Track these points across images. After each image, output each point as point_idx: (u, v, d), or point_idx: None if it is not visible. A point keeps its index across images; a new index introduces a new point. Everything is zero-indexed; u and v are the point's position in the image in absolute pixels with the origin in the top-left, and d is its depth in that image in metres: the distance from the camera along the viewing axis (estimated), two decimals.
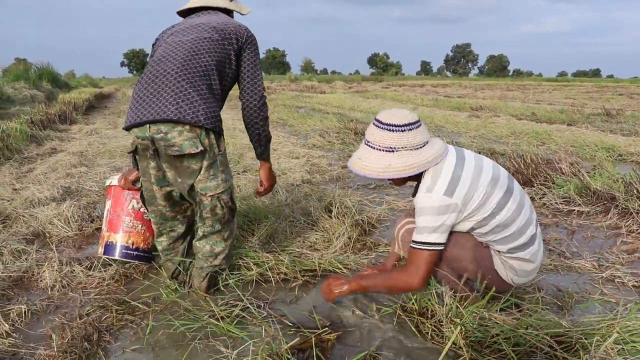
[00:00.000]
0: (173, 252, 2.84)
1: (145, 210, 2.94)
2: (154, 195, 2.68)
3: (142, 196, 2.79)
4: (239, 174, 5.47)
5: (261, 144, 2.89)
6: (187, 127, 2.43)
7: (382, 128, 2.26)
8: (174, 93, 2.46)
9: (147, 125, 2.46)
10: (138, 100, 2.54)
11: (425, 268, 2.26)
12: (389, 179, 2.31)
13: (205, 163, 2.52)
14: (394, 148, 2.24)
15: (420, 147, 2.25)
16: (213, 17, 2.78)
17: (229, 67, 2.68)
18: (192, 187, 2.59)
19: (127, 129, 2.55)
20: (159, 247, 2.86)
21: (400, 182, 2.42)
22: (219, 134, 2.56)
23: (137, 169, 2.80)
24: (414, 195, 2.35)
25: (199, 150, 2.46)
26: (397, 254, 2.80)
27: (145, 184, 2.69)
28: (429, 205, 2.21)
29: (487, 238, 2.35)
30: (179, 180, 2.58)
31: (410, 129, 2.23)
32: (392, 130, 2.23)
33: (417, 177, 2.31)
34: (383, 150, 2.25)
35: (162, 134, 2.43)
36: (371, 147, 2.29)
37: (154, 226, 2.83)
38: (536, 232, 2.38)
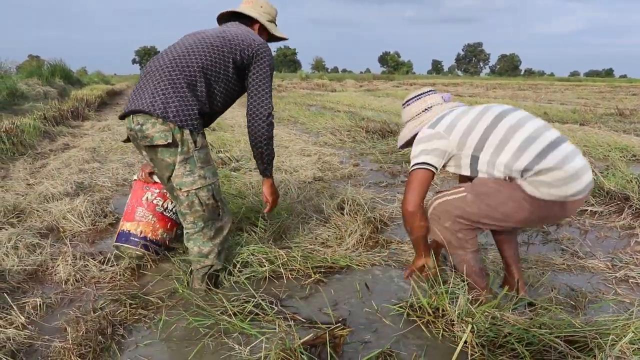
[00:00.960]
0: None
1: (158, 203, 3.10)
2: (162, 177, 2.73)
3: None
4: (250, 170, 5.48)
5: (264, 162, 2.93)
6: (160, 120, 2.50)
7: None
8: (153, 87, 2.57)
9: (132, 117, 2.58)
10: (131, 93, 2.67)
11: (414, 185, 2.47)
12: None
13: (179, 157, 2.56)
14: (404, 122, 2.81)
15: (412, 119, 2.72)
16: (233, 28, 2.84)
17: (224, 73, 2.70)
18: (169, 181, 2.64)
19: (121, 118, 2.70)
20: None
21: None
22: (195, 131, 2.57)
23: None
24: None
25: (166, 142, 2.51)
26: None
27: (153, 169, 2.78)
28: (419, 137, 2.54)
29: (502, 167, 2.31)
30: (158, 172, 2.68)
31: (403, 106, 2.78)
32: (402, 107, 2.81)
33: None
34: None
35: (139, 126, 2.54)
36: None
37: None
38: (553, 142, 2.27)
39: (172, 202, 3.11)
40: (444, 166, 2.53)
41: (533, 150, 2.25)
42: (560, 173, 2.22)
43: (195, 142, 2.58)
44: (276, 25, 3.13)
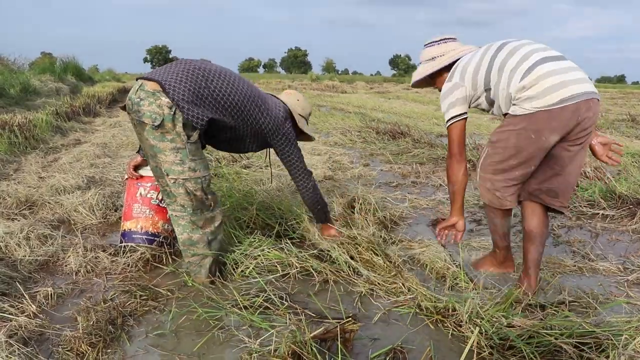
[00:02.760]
0: None
1: (152, 196, 3.13)
2: (147, 153, 2.73)
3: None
4: (261, 168, 5.50)
5: (322, 211, 3.30)
6: (159, 101, 2.49)
7: None
8: (181, 76, 2.57)
9: (137, 88, 2.58)
10: (157, 69, 2.69)
11: (454, 139, 2.78)
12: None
13: (169, 145, 2.54)
14: (420, 62, 3.08)
15: (429, 60, 2.99)
16: (276, 100, 3.11)
17: (249, 122, 2.82)
18: (157, 165, 2.62)
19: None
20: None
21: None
22: (191, 125, 2.55)
23: (140, 154, 3.11)
24: None
25: (152, 124, 2.50)
26: None
27: (141, 143, 2.78)
28: (443, 93, 2.80)
29: (504, 93, 2.55)
30: (145, 149, 2.66)
31: (425, 47, 3.03)
32: (423, 47, 3.05)
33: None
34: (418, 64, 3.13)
35: (138, 99, 2.54)
36: None
37: (156, 182, 2.94)
38: (537, 62, 2.46)
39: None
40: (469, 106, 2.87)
41: (521, 71, 2.47)
42: (539, 86, 2.41)
43: (188, 135, 2.57)
44: (307, 123, 3.31)
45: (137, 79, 2.67)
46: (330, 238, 3.28)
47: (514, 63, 2.51)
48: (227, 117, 2.70)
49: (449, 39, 2.99)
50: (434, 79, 3.04)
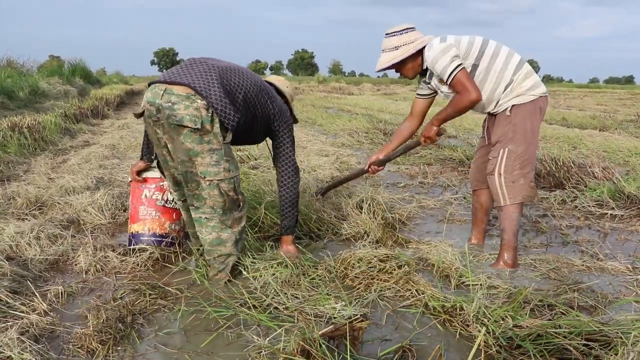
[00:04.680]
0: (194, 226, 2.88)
1: (157, 197, 3.14)
2: (165, 159, 2.75)
3: (158, 164, 2.93)
4: (269, 169, 5.52)
5: (292, 217, 3.10)
6: (195, 104, 2.51)
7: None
8: (204, 74, 2.60)
9: (161, 93, 2.55)
10: (170, 70, 2.68)
11: (467, 82, 2.88)
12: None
13: (205, 147, 2.56)
14: (383, 49, 3.16)
15: (392, 49, 3.10)
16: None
17: (258, 111, 2.83)
18: (188, 170, 2.62)
19: (149, 85, 2.68)
20: (184, 218, 3.02)
21: (407, 72, 3.23)
22: (225, 128, 2.60)
23: (143, 160, 3.12)
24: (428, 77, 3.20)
25: (194, 127, 2.51)
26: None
27: (157, 149, 2.78)
28: (441, 49, 2.92)
29: (495, 74, 2.95)
30: (175, 154, 2.63)
31: (394, 35, 3.10)
32: (385, 37, 3.16)
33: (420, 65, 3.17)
34: (381, 52, 3.19)
35: (169, 104, 2.53)
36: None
37: (173, 195, 2.96)
38: (521, 59, 3.02)
39: (171, 193, 3.05)
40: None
41: (514, 63, 2.97)
42: (533, 78, 3.00)
43: (224, 136, 2.61)
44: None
45: (150, 84, 2.66)
46: (288, 255, 3.00)
47: (505, 53, 2.98)
48: (245, 110, 2.72)
49: (409, 28, 3.12)
50: (402, 66, 3.17)
